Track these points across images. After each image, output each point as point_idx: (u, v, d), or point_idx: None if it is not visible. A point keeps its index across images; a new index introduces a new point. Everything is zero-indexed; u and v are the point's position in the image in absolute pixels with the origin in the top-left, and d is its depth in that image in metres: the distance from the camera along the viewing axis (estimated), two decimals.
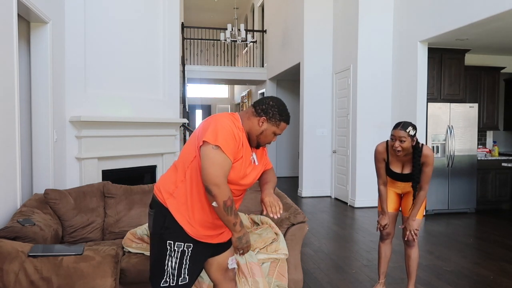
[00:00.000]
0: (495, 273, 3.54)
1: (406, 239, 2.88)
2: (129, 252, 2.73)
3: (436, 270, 3.60)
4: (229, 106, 16.48)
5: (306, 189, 7.48)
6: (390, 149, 2.75)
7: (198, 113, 17.06)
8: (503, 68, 6.76)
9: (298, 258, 2.87)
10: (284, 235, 2.83)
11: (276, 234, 2.81)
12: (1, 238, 2.11)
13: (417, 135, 2.70)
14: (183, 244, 1.83)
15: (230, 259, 2.02)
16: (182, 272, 1.84)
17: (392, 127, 2.69)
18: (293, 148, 10.16)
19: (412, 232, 2.79)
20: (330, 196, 7.47)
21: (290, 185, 8.84)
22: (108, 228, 3.11)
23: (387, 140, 2.82)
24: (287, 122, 1.86)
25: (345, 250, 4.24)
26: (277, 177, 9.13)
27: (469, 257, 3.98)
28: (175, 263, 1.83)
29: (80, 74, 3.96)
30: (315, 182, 7.51)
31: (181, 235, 1.83)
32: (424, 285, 3.27)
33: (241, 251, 1.88)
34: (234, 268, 2.08)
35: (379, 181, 2.93)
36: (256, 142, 1.87)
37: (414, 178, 2.72)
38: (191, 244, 1.84)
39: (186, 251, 1.84)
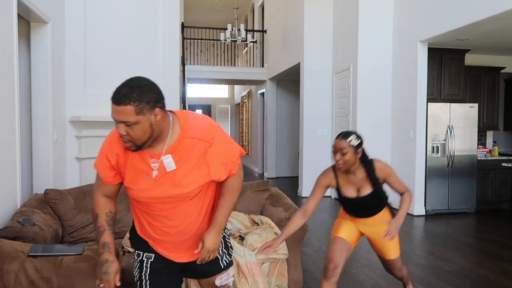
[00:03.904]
0: (495, 273, 3.54)
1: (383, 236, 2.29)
2: (129, 252, 2.73)
3: (436, 270, 3.60)
4: (229, 106, 16.48)
5: (306, 189, 7.47)
6: (338, 170, 2.33)
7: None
8: (503, 68, 6.76)
9: (298, 258, 2.87)
10: None
11: (276, 234, 2.81)
12: (1, 238, 2.11)
13: (366, 146, 2.26)
14: (142, 253, 1.67)
15: (218, 278, 1.79)
16: (144, 287, 1.66)
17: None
18: (293, 148, 10.16)
19: (392, 232, 2.23)
20: (330, 196, 7.46)
21: (290, 185, 8.84)
22: None
23: (334, 165, 2.37)
24: (112, 100, 1.39)
25: None
26: (277, 177, 9.02)
27: (469, 257, 3.98)
28: (137, 273, 1.67)
29: (80, 74, 3.97)
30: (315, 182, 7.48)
31: (140, 243, 1.68)
32: (424, 285, 3.27)
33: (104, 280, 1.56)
34: (226, 284, 1.83)
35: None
36: None
37: (380, 194, 2.29)
38: (152, 255, 1.65)
39: (145, 261, 1.66)
